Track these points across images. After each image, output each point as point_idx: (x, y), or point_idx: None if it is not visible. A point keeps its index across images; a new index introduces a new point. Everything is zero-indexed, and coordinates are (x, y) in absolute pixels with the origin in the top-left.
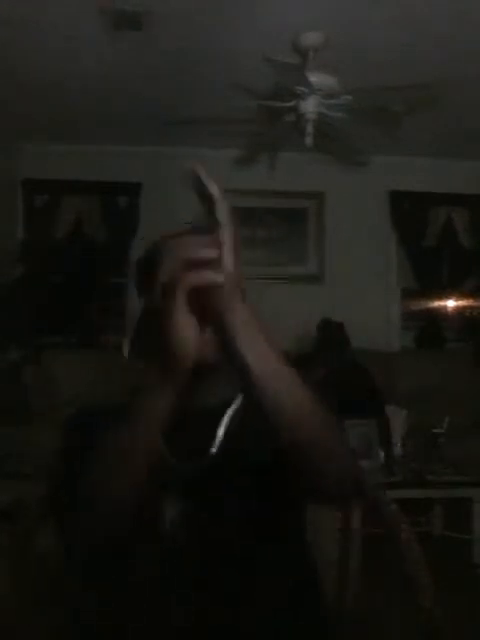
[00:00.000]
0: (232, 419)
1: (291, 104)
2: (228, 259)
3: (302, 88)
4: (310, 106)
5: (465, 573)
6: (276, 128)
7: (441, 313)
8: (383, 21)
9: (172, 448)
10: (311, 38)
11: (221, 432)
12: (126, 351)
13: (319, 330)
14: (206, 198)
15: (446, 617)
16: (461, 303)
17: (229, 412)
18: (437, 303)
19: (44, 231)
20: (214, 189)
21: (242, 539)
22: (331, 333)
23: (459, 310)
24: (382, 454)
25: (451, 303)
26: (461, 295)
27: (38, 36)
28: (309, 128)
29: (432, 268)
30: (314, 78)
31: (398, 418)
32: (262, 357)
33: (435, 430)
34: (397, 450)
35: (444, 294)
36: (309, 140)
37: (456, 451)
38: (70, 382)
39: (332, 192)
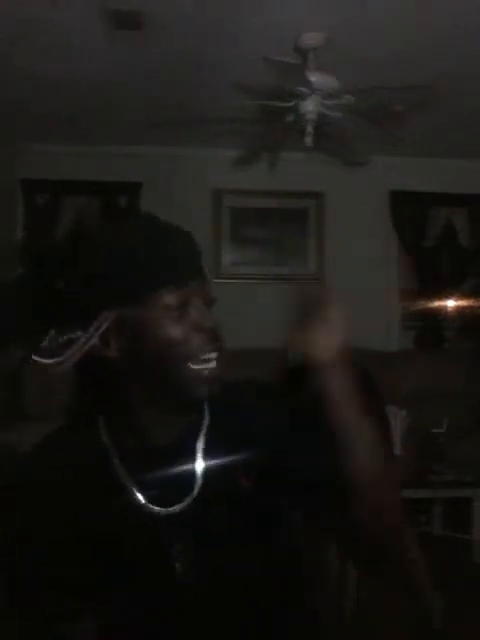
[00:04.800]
0: (206, 448)
1: (291, 104)
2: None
3: (302, 88)
4: (310, 106)
5: (465, 573)
6: (276, 128)
7: (441, 313)
8: (383, 21)
9: (147, 493)
10: (311, 38)
11: (200, 466)
12: None
13: None
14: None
15: (447, 617)
16: (461, 303)
17: (200, 442)
18: (437, 303)
19: (44, 231)
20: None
21: (245, 571)
22: None
23: (459, 310)
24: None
25: (451, 303)
26: (461, 295)
27: (38, 36)
28: (309, 128)
29: (432, 268)
30: (314, 78)
31: (398, 418)
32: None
33: (435, 430)
34: (397, 450)
35: (444, 294)
36: (309, 140)
37: (456, 451)
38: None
39: (332, 192)
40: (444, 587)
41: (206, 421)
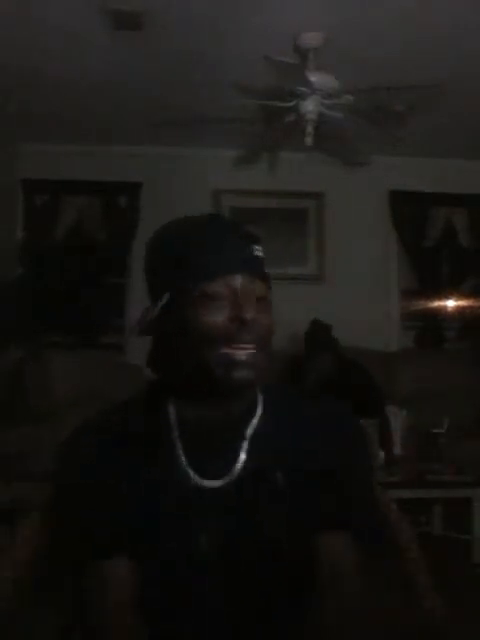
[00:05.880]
0: (255, 434)
1: (291, 104)
2: None
3: (302, 88)
4: (310, 106)
5: (465, 573)
6: (276, 128)
7: (441, 313)
8: (383, 21)
9: (193, 464)
10: (311, 38)
11: (245, 447)
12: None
13: (308, 331)
14: None
15: (446, 617)
16: (461, 303)
17: (251, 426)
18: (437, 303)
19: (44, 231)
20: None
21: (277, 559)
22: (317, 335)
23: (459, 310)
24: (382, 454)
25: (451, 303)
26: (461, 295)
27: (38, 36)
28: (309, 128)
29: (432, 268)
30: (314, 78)
31: (398, 418)
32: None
33: (435, 430)
34: (397, 450)
35: (444, 294)
36: (309, 140)
37: (456, 451)
38: (70, 382)
39: (332, 192)
40: (444, 587)
41: (259, 410)
